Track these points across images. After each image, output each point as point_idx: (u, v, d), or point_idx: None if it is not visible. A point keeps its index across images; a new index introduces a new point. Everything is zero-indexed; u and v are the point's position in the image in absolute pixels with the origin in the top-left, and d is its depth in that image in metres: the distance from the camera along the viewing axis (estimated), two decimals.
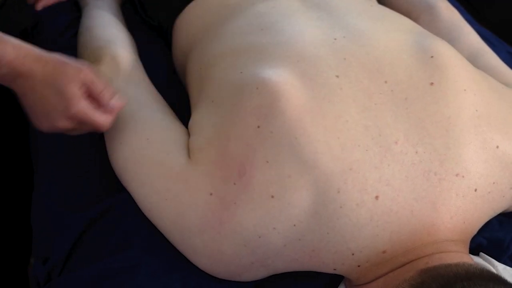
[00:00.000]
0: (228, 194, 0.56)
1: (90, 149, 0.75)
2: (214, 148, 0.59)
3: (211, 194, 0.57)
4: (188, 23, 0.83)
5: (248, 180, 0.55)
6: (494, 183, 0.59)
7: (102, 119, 0.63)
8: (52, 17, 0.98)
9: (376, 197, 0.55)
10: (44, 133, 0.82)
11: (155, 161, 0.63)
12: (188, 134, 0.66)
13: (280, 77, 0.59)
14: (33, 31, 1.01)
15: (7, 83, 0.59)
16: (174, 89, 0.83)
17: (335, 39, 0.64)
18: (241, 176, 0.56)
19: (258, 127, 0.57)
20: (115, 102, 0.64)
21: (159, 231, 0.63)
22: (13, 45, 0.57)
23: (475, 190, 0.58)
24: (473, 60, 0.78)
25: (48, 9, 0.95)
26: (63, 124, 0.61)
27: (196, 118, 0.65)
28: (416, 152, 0.57)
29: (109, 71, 0.73)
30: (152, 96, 0.73)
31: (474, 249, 0.65)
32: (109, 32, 0.80)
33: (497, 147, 0.59)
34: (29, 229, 0.75)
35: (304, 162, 0.55)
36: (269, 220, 0.55)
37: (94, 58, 0.75)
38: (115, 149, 0.67)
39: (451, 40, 0.82)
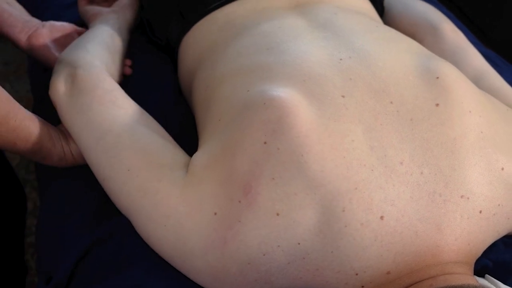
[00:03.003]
0: (232, 212, 0.56)
1: None
2: (219, 165, 0.58)
3: (215, 213, 0.57)
4: (194, 42, 0.83)
5: (253, 198, 0.55)
6: (499, 205, 0.59)
7: None
8: None
9: (381, 217, 0.55)
10: None
11: (147, 191, 0.61)
12: (182, 152, 0.66)
13: (288, 94, 0.59)
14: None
15: None
16: (180, 110, 0.83)
17: (341, 59, 0.65)
18: (247, 193, 0.55)
19: (265, 143, 0.56)
20: None
21: None
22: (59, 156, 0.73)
23: (480, 212, 0.58)
24: (478, 81, 0.78)
25: None
26: None
27: (204, 137, 0.65)
28: (421, 173, 0.57)
29: (68, 88, 0.71)
30: (132, 118, 0.68)
31: (480, 271, 0.65)
32: (93, 47, 0.78)
33: (502, 169, 0.59)
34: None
35: (310, 180, 0.55)
36: (273, 238, 0.55)
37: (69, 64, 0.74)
38: (103, 185, 0.66)
39: (456, 61, 0.82)
